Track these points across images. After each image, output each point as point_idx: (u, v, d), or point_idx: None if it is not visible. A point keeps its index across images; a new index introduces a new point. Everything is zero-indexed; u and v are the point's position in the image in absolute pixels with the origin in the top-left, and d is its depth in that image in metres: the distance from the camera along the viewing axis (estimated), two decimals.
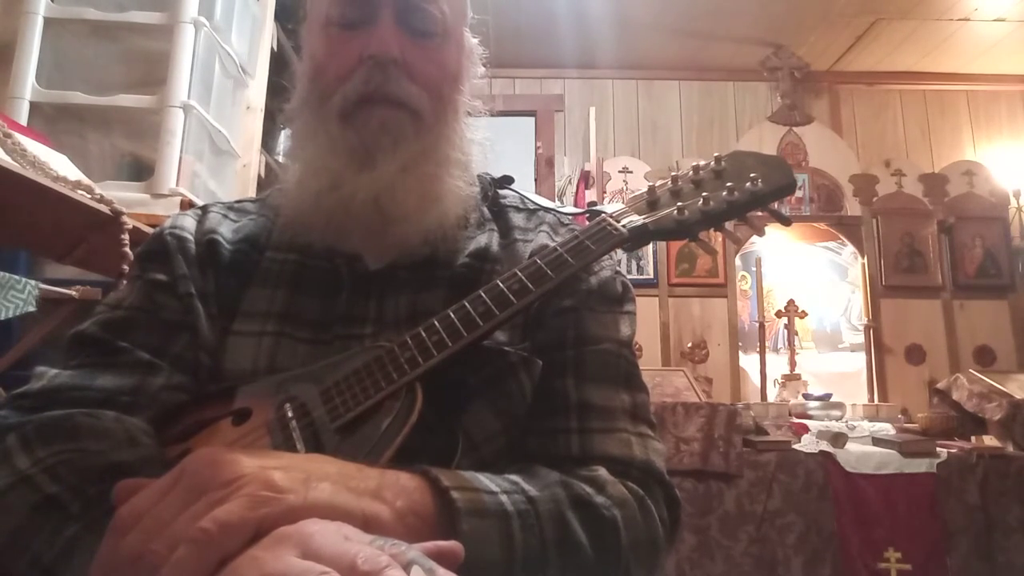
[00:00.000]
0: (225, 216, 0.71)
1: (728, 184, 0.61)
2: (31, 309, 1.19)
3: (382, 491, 0.43)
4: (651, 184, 0.65)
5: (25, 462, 0.48)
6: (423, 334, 0.54)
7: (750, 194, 0.61)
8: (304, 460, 0.44)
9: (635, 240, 0.60)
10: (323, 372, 0.56)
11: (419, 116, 0.65)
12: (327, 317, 0.63)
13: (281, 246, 0.68)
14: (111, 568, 0.37)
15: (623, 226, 0.60)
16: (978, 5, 2.85)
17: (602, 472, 0.55)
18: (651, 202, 0.63)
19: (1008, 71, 3.35)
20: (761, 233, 0.68)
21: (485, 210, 0.73)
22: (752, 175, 0.61)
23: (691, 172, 0.65)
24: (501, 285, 0.56)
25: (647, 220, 0.61)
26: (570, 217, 0.75)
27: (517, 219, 0.73)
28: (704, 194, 0.61)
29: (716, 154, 0.65)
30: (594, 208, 0.64)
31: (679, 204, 0.61)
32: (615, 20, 3.05)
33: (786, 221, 0.68)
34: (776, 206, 0.65)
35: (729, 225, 0.63)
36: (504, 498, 0.48)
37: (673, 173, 0.65)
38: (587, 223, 0.64)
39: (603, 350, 0.64)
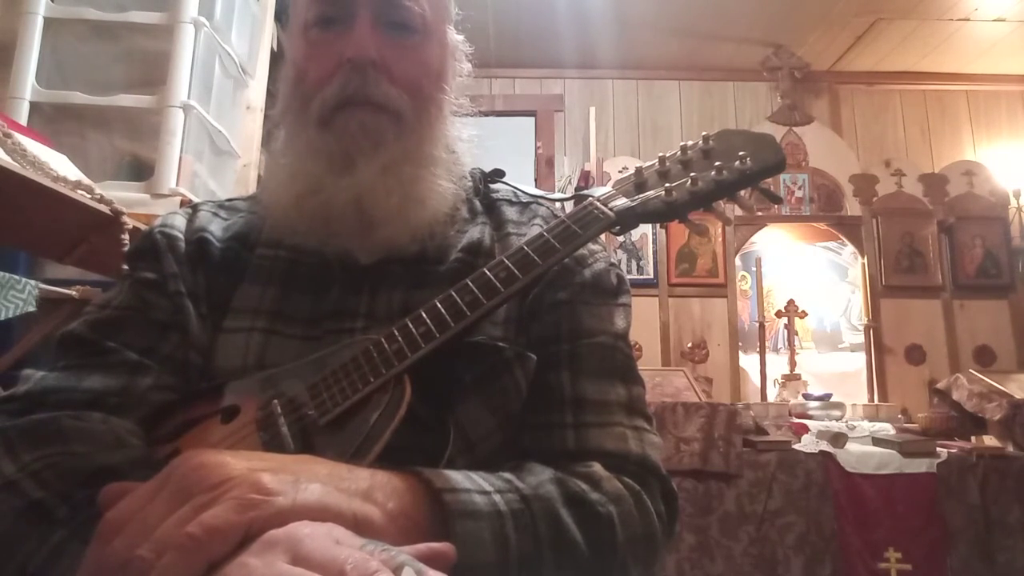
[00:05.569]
0: (215, 214, 0.70)
1: (716, 163, 0.60)
2: (31, 309, 1.19)
3: (373, 492, 0.43)
4: (638, 166, 0.63)
5: (10, 467, 0.48)
6: (410, 325, 0.53)
7: (739, 173, 0.60)
8: (293, 461, 0.43)
9: (623, 223, 0.59)
10: (311, 367, 0.55)
11: (400, 118, 0.64)
12: (317, 313, 0.62)
13: (271, 243, 0.67)
14: (98, 575, 0.37)
15: (610, 209, 0.59)
16: (978, 5, 2.85)
17: (597, 468, 0.55)
18: (639, 184, 0.62)
19: (1008, 71, 3.35)
20: (752, 212, 0.68)
21: (477, 203, 0.73)
22: (741, 153, 0.60)
23: (679, 152, 0.63)
24: (488, 274, 0.55)
25: (635, 203, 0.60)
26: (560, 205, 0.73)
27: (510, 213, 0.72)
28: (692, 174, 0.60)
29: (704, 133, 0.64)
30: (581, 192, 0.63)
31: (667, 185, 0.60)
32: (615, 20, 3.05)
33: (777, 199, 0.67)
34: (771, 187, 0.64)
35: (719, 204, 0.62)
36: (497, 498, 0.48)
37: (661, 154, 0.64)
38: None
39: (598, 343, 0.63)
